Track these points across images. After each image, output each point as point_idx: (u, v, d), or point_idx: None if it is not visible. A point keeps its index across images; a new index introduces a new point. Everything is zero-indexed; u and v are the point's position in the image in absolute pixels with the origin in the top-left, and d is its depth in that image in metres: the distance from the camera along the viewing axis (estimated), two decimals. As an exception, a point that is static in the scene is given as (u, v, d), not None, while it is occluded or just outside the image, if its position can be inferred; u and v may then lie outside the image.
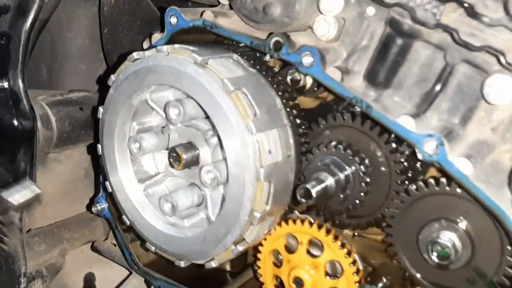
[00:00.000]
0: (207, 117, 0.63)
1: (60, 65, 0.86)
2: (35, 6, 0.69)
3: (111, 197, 0.71)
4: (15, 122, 0.69)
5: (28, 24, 0.69)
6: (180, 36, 0.67)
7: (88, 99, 0.82)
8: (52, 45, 0.86)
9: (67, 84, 0.85)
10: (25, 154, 0.71)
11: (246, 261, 0.81)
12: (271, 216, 0.58)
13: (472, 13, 0.45)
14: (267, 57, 0.61)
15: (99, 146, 0.68)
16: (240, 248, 0.58)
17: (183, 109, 0.59)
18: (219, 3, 0.72)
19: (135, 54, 0.61)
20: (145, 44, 0.77)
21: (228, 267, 0.82)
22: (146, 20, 0.80)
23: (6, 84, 0.68)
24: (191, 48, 0.57)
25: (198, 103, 0.56)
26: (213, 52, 0.58)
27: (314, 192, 0.54)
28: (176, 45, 0.58)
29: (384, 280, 0.61)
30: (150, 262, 0.80)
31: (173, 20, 0.67)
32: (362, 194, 0.57)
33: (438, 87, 0.54)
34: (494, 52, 0.45)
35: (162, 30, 0.70)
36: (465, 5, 0.46)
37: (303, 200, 0.55)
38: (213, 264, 0.63)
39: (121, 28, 0.83)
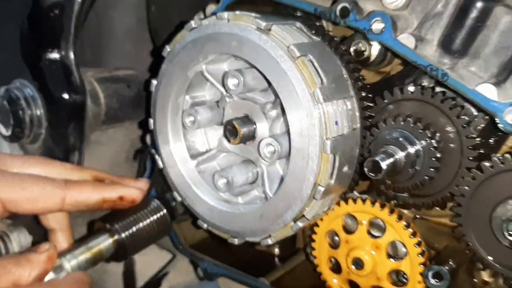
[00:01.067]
0: (266, 89, 0.62)
1: (106, 45, 0.84)
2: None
3: (160, 175, 0.70)
4: (66, 96, 0.68)
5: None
6: (235, 7, 0.65)
7: (135, 77, 0.81)
8: (98, 24, 0.85)
9: (112, 64, 0.84)
10: (75, 129, 0.70)
11: (295, 245, 0.79)
12: (333, 192, 0.55)
13: None
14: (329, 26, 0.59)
15: (150, 120, 0.66)
16: (300, 224, 0.56)
17: (243, 79, 0.57)
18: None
19: (192, 23, 0.59)
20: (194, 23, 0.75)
21: (276, 251, 0.80)
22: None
23: (58, 56, 0.66)
24: (253, 14, 0.55)
25: (260, 72, 0.54)
26: (276, 19, 0.56)
27: (384, 165, 0.51)
28: (237, 12, 0.56)
29: (451, 262, 0.58)
30: (196, 244, 0.79)
31: (224, -1, 0.65)
32: (432, 170, 0.54)
33: (521, 54, 0.51)
34: None
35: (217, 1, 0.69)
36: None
37: (372, 174, 0.52)
38: (270, 241, 0.60)
39: (169, 5, 0.82)
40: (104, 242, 0.59)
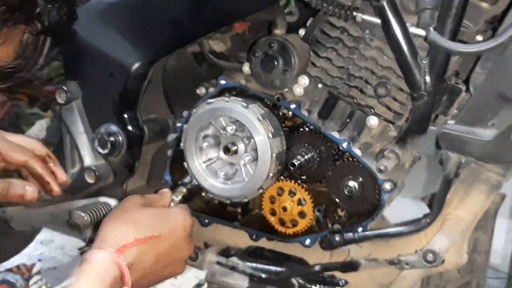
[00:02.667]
0: (242, 130, 1.27)
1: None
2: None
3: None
4: (136, 132, 1.30)
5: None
6: (224, 90, 1.30)
7: (159, 119, 1.43)
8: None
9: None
10: (138, 149, 1.31)
11: (248, 207, 1.46)
12: (274, 176, 1.23)
13: (362, 91, 1.15)
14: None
15: (181, 144, 1.30)
16: (261, 190, 1.23)
17: (235, 127, 1.23)
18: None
19: (209, 100, 1.24)
20: (198, 91, 1.38)
21: (239, 210, 1.46)
22: (195, 76, 1.41)
23: (133, 113, 1.28)
24: (240, 99, 1.21)
25: (243, 124, 1.20)
26: (248, 101, 1.22)
27: (296, 163, 1.20)
28: (232, 97, 1.21)
29: (323, 206, 1.27)
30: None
31: (222, 82, 1.29)
32: (315, 165, 1.24)
33: (347, 120, 1.23)
34: (369, 108, 1.15)
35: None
36: (359, 88, 1.16)
37: (291, 168, 1.20)
38: (245, 200, 1.26)
39: (177, 80, 1.44)
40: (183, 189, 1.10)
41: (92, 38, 1.21)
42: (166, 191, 0.96)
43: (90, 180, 1.23)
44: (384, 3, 0.95)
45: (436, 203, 1.06)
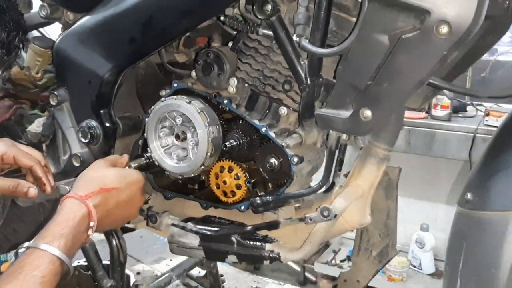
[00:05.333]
0: (190, 121, 1.63)
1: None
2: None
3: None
4: (110, 125, 1.68)
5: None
6: (178, 91, 1.66)
7: (132, 116, 1.81)
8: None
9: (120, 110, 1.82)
10: (112, 140, 1.69)
11: (204, 184, 1.80)
12: (214, 155, 1.58)
13: (273, 88, 1.50)
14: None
15: (145, 134, 1.66)
16: (203, 167, 1.58)
17: (181, 119, 1.58)
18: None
19: (163, 99, 1.60)
20: (161, 93, 1.73)
21: (196, 186, 1.81)
22: (159, 82, 1.77)
23: (107, 110, 1.67)
24: (185, 96, 1.57)
25: (187, 117, 1.56)
26: (192, 98, 1.58)
27: (227, 145, 1.55)
28: (180, 95, 1.57)
29: (254, 178, 1.61)
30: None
31: (175, 84, 1.65)
32: (245, 148, 1.58)
33: (267, 111, 1.57)
34: (280, 100, 1.49)
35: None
36: (271, 86, 1.50)
37: (224, 149, 1.55)
38: (193, 175, 1.61)
39: (145, 85, 1.82)
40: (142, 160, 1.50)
41: (75, 54, 1.57)
42: (125, 155, 1.29)
43: (76, 164, 1.58)
44: (274, 20, 1.29)
45: (325, 170, 1.39)
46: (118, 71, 1.46)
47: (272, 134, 1.47)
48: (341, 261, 3.06)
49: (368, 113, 1.17)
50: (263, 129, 1.46)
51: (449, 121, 2.87)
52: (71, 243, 0.96)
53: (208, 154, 1.51)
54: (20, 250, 0.93)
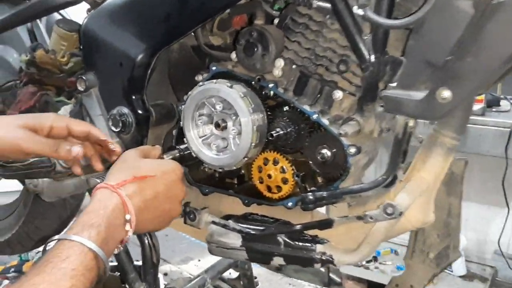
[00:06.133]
0: (230, 108, 1.47)
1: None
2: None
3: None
4: (142, 113, 1.53)
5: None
6: (216, 75, 1.51)
7: (165, 104, 1.65)
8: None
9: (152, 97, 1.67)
10: (146, 128, 1.54)
11: (244, 178, 1.65)
12: (258, 146, 1.42)
13: (327, 69, 1.33)
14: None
15: (181, 123, 1.51)
16: (246, 159, 1.42)
17: (222, 105, 1.43)
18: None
19: (200, 83, 1.45)
20: (196, 78, 1.59)
21: (235, 181, 1.66)
22: (194, 66, 1.63)
23: (139, 96, 1.52)
24: (225, 80, 1.41)
25: (229, 103, 1.41)
26: (234, 82, 1.42)
27: (274, 134, 1.38)
28: (220, 79, 1.42)
29: (302, 172, 1.44)
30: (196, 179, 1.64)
31: (213, 68, 1.50)
32: (294, 137, 1.42)
33: (318, 95, 1.40)
34: (334, 82, 1.32)
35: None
36: (324, 66, 1.34)
37: (270, 138, 1.38)
38: (235, 168, 1.45)
39: (179, 69, 1.67)
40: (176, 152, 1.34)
41: (105, 35, 1.42)
42: (157, 146, 1.17)
43: None
44: (332, -10, 1.13)
45: (390, 163, 1.22)
46: (152, 52, 1.31)
47: (325, 121, 1.31)
48: (368, 262, 2.88)
49: (446, 93, 1.00)
50: (315, 116, 1.30)
51: (483, 116, 2.68)
52: (105, 236, 0.84)
53: (253, 144, 1.35)
54: (49, 245, 0.83)
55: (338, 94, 1.30)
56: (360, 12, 1.10)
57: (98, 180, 1.31)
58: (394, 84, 1.09)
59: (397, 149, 1.21)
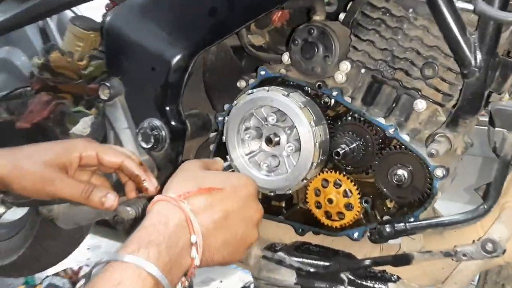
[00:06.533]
0: (284, 120, 1.25)
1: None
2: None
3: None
4: (179, 126, 1.29)
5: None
6: (265, 81, 1.28)
7: (200, 114, 1.42)
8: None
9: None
10: (181, 142, 1.31)
11: (293, 201, 1.42)
12: (318, 166, 1.19)
13: (407, 74, 1.10)
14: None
15: (223, 137, 1.28)
16: (305, 181, 1.20)
17: (275, 117, 1.20)
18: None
19: (249, 91, 1.22)
20: (238, 84, 1.36)
21: (283, 204, 1.43)
22: (234, 70, 1.40)
23: (175, 106, 1.28)
24: (280, 88, 1.19)
25: (283, 115, 1.18)
26: (289, 90, 1.19)
27: (340, 152, 1.16)
28: (273, 86, 1.18)
29: (371, 196, 1.22)
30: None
31: (262, 72, 1.27)
32: (361, 155, 1.19)
33: (393, 105, 1.17)
34: (417, 90, 1.09)
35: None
36: (404, 71, 1.10)
37: (336, 157, 1.16)
38: (290, 191, 1.23)
39: (217, 74, 1.43)
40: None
41: (133, 33, 1.21)
42: (218, 159, 0.99)
43: None
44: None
45: (493, 188, 0.99)
46: (191, 53, 1.13)
47: (405, 136, 1.08)
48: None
49: None
50: (391, 130, 1.08)
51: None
52: (167, 259, 0.66)
53: (314, 164, 1.13)
54: (94, 270, 0.66)
55: (421, 105, 1.08)
56: (467, 6, 0.87)
57: (128, 208, 1.09)
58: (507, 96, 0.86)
59: (503, 172, 0.98)
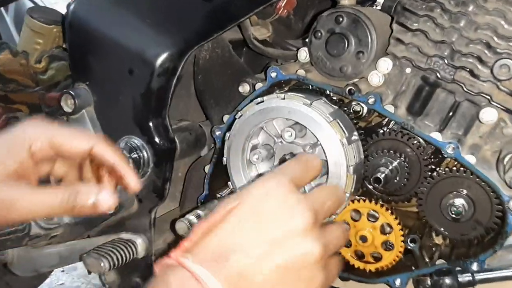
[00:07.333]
0: (303, 136, 0.97)
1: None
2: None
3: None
4: (167, 144, 1.00)
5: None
6: (275, 85, 1.01)
7: (191, 126, 1.14)
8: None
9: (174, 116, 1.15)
10: (170, 165, 1.02)
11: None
12: (350, 197, 0.92)
13: (472, 74, 0.83)
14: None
15: (224, 158, 1.00)
16: (334, 217, 0.93)
17: (295, 132, 0.93)
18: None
19: (258, 99, 0.94)
20: (241, 89, 1.09)
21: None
22: (235, 70, 1.12)
23: (160, 121, 0.99)
24: (300, 94, 0.91)
25: (306, 128, 0.90)
26: (311, 97, 0.92)
27: (382, 178, 0.89)
28: (289, 93, 0.91)
29: (417, 233, 0.96)
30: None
31: (273, 74, 1.00)
32: (405, 179, 0.92)
33: (450, 114, 0.90)
34: (485, 96, 0.83)
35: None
36: (468, 70, 0.83)
37: (376, 185, 0.89)
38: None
39: (213, 76, 1.15)
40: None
41: (104, 26, 0.94)
42: (315, 157, 0.65)
43: None
44: None
45: None
46: (181, 52, 0.95)
47: (469, 157, 0.82)
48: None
49: None
50: (450, 149, 0.82)
51: None
52: None
53: (347, 194, 0.85)
54: None
55: (490, 115, 0.81)
56: None
57: (99, 262, 0.82)
58: None
59: None
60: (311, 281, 0.54)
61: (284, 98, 0.90)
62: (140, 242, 0.95)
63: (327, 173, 0.89)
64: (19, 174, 0.68)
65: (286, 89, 0.99)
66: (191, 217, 0.88)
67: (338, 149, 0.86)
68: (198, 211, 0.89)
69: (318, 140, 0.88)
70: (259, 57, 1.18)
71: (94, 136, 0.73)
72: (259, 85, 0.99)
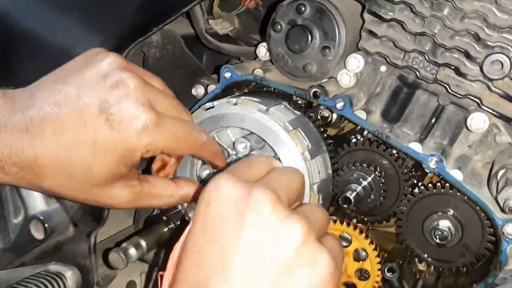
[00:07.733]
0: (262, 147, 0.84)
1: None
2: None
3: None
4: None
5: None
6: (232, 86, 0.87)
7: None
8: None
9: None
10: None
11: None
12: (317, 218, 0.79)
13: (458, 72, 0.68)
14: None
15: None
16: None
17: (249, 143, 0.79)
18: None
19: (207, 104, 0.80)
20: (194, 91, 0.96)
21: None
22: (189, 70, 0.99)
23: None
24: (256, 99, 0.77)
25: (262, 139, 0.76)
26: (269, 101, 0.78)
27: (352, 198, 0.75)
28: (242, 97, 0.77)
29: (398, 259, 0.83)
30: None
31: (228, 74, 0.86)
32: (381, 197, 0.79)
33: (433, 121, 0.77)
34: (473, 99, 0.69)
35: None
36: (453, 67, 0.69)
37: (345, 205, 0.76)
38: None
39: (164, 76, 1.01)
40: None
41: (27, 20, 0.79)
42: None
43: (38, 235, 0.82)
44: None
45: None
46: (117, 47, 0.79)
47: (455, 173, 0.69)
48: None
49: None
50: (432, 163, 0.68)
51: None
52: None
53: (311, 217, 0.71)
54: None
55: (480, 122, 0.68)
56: None
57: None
58: None
59: None
60: (316, 262, 0.49)
61: (236, 104, 0.76)
62: (69, 276, 0.81)
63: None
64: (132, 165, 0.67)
65: (246, 91, 0.86)
66: (129, 247, 0.74)
67: (299, 164, 0.72)
68: (139, 240, 0.75)
69: (276, 153, 0.74)
70: (220, 56, 1.05)
71: (202, 130, 0.72)
72: (211, 87, 0.85)
